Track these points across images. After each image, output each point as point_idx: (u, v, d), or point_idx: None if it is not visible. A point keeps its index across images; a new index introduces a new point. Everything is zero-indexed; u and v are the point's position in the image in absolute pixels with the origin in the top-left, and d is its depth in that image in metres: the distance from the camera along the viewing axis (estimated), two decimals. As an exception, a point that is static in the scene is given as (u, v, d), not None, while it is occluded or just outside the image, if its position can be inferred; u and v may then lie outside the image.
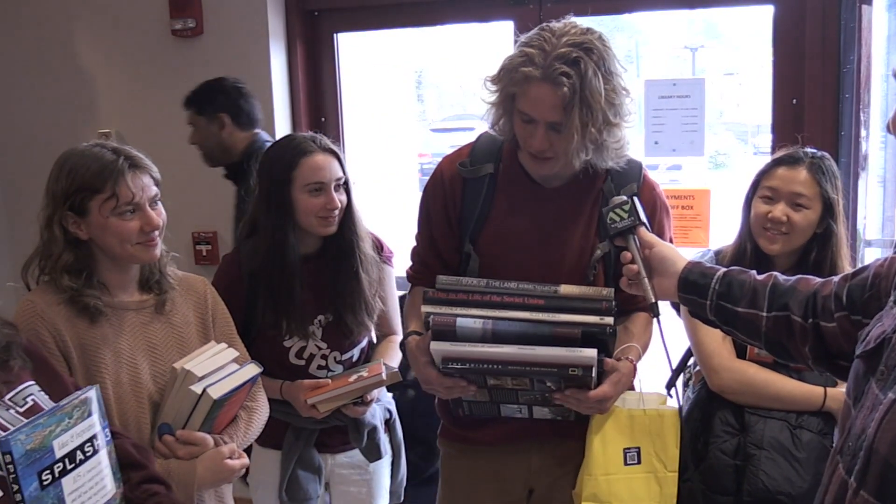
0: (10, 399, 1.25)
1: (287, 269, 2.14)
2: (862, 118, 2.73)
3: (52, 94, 3.43)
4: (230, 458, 1.71)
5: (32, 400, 1.28)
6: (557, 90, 1.61)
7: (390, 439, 2.37)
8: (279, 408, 2.18)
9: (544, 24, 1.70)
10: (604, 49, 1.65)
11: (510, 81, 1.67)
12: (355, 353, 2.29)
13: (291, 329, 2.17)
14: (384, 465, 2.37)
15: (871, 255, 2.82)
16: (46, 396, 1.31)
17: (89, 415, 1.26)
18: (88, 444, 1.24)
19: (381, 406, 2.34)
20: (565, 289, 1.68)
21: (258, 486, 2.33)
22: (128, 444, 1.42)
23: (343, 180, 2.17)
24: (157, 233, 1.71)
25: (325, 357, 2.23)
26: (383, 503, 2.42)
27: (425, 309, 1.69)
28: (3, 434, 1.12)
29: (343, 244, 2.19)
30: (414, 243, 2.00)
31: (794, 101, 2.82)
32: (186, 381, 1.67)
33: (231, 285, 2.16)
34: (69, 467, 1.20)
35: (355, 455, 2.31)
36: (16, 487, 1.11)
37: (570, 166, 1.76)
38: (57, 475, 1.18)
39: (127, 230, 1.67)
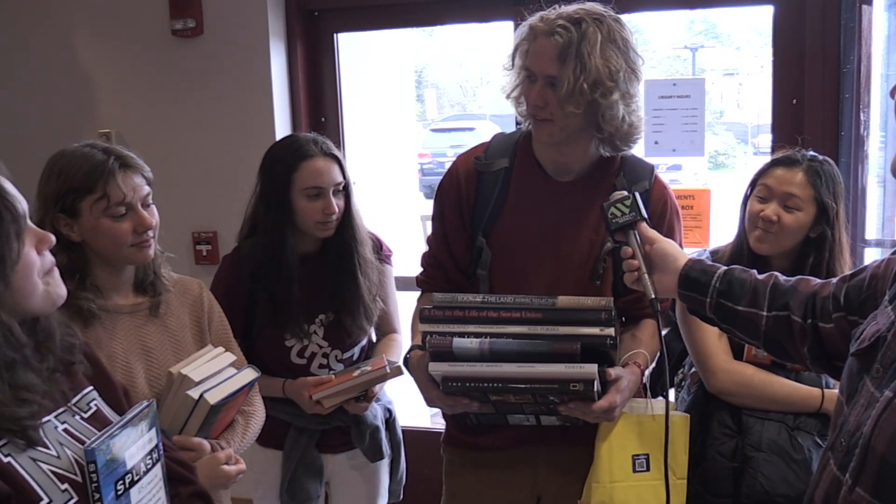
0: (75, 405, 1.25)
1: (285, 269, 2.14)
2: (862, 118, 2.73)
3: (52, 94, 3.43)
4: (227, 463, 1.69)
5: (95, 405, 1.28)
6: (553, 40, 1.68)
7: (390, 438, 2.36)
8: (281, 407, 2.18)
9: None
10: (616, 26, 1.71)
11: (521, 37, 1.74)
12: (356, 351, 2.30)
13: (291, 328, 2.18)
14: (384, 464, 2.37)
15: (871, 256, 2.82)
16: (104, 402, 1.31)
17: (151, 427, 1.27)
18: (149, 456, 1.26)
19: (382, 406, 2.34)
20: (563, 300, 1.66)
21: (259, 486, 2.33)
22: (172, 457, 1.40)
23: (343, 185, 2.17)
24: (150, 233, 1.69)
25: (326, 356, 2.24)
26: (383, 502, 2.42)
27: (423, 328, 1.68)
28: (90, 444, 1.14)
29: (342, 248, 2.19)
30: (424, 248, 1.99)
31: (794, 101, 2.82)
32: (183, 386, 1.65)
33: (232, 285, 2.16)
34: (135, 479, 1.22)
35: (356, 455, 2.31)
36: (97, 496, 1.14)
37: (581, 155, 1.80)
38: (128, 486, 1.20)
39: (119, 231, 1.65)
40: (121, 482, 1.17)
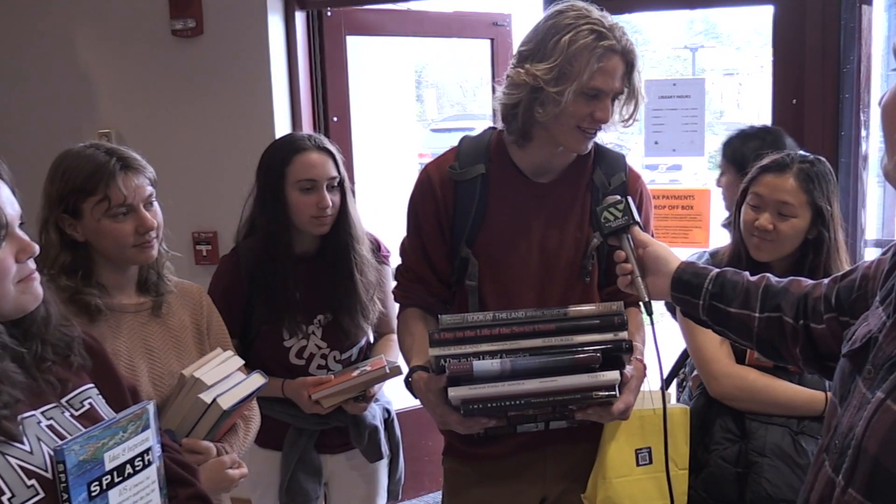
0: (67, 401, 1.24)
1: (281, 266, 2.13)
2: (862, 118, 2.73)
3: (52, 94, 3.43)
4: (230, 467, 1.70)
5: (89, 404, 1.27)
6: (625, 60, 1.69)
7: (388, 439, 2.36)
8: (280, 408, 2.18)
9: (560, 8, 1.73)
10: None
11: (593, 57, 1.65)
12: (354, 352, 2.30)
13: (289, 328, 2.17)
14: (382, 464, 2.37)
15: (870, 256, 2.82)
16: (103, 401, 1.30)
17: (144, 429, 1.26)
18: (139, 458, 1.24)
19: (380, 406, 2.34)
20: (574, 309, 1.65)
21: (257, 487, 2.33)
22: (174, 459, 1.39)
23: (337, 180, 2.16)
24: (152, 234, 1.70)
25: (324, 356, 2.23)
26: (382, 502, 2.42)
27: (435, 353, 1.62)
28: (60, 443, 1.13)
29: (338, 246, 2.19)
30: (398, 262, 1.95)
31: (794, 101, 2.82)
32: (195, 389, 1.66)
33: (230, 286, 2.16)
34: (116, 480, 1.20)
35: (355, 455, 2.31)
36: (66, 496, 1.12)
37: (570, 155, 1.82)
38: (105, 487, 1.18)
39: (121, 232, 1.66)
40: (96, 483, 1.16)
